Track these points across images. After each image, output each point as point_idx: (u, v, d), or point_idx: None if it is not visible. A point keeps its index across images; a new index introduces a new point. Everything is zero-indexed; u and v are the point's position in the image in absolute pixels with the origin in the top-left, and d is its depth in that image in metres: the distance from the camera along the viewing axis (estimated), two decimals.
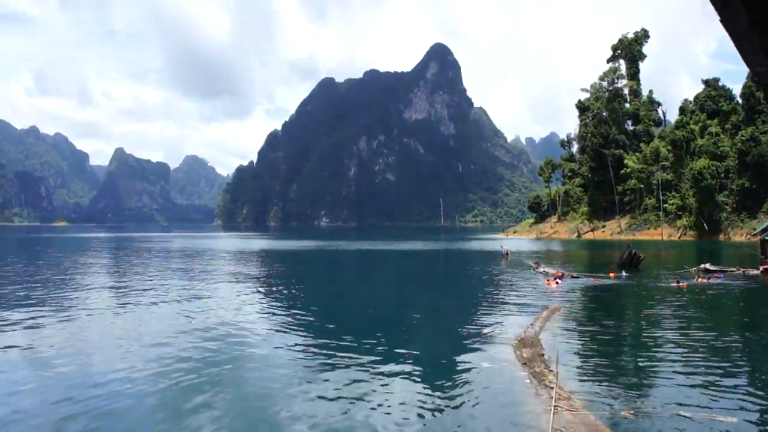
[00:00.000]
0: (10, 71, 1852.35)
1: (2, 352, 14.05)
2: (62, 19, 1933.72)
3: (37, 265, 40.67)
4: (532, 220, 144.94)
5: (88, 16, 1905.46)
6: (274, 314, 19.30)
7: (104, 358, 13.20)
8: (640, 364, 13.47)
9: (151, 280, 30.37)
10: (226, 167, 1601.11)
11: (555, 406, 9.71)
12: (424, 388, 11.02)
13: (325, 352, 13.69)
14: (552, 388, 10.62)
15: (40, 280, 30.49)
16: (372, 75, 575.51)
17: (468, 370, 12.37)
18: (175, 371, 11.97)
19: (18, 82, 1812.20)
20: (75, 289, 26.16)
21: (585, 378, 12.09)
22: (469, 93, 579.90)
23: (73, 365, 12.50)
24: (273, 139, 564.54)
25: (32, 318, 18.61)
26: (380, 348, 14.18)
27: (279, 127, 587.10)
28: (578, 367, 12.98)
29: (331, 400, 10.30)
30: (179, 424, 9.14)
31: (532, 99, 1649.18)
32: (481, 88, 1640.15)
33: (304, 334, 15.87)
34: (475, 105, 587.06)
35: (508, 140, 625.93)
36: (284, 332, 16.06)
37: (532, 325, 16.87)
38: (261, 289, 26.48)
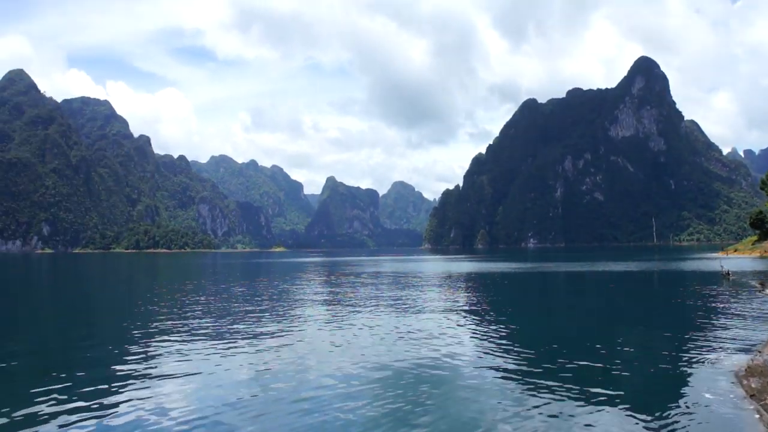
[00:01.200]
0: (231, 111, 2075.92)
1: (227, 361, 15.21)
2: (273, 57, 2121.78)
3: (259, 286, 43.37)
4: (755, 238, 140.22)
5: (297, 54, 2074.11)
6: (483, 336, 18.88)
7: (318, 374, 13.68)
8: None
9: (363, 300, 31.31)
10: (432, 192, 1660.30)
11: None
12: (638, 420, 10.28)
13: (532, 378, 13.20)
14: None
15: (263, 299, 32.74)
16: (575, 93, 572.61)
17: (685, 400, 11.42)
18: (386, 389, 12.29)
19: (237, 121, 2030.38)
20: (293, 308, 27.79)
21: None
22: (678, 106, 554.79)
23: (287, 381, 13.10)
24: (477, 162, 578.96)
25: (254, 330, 20.32)
26: (589, 374, 13.52)
27: (483, 150, 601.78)
28: None
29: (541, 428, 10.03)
30: None
31: (748, 108, 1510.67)
32: (691, 100, 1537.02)
33: (513, 358, 15.52)
34: (685, 118, 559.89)
35: (724, 153, 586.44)
36: (493, 355, 15.83)
37: (760, 352, 15.17)
38: (469, 309, 26.52)
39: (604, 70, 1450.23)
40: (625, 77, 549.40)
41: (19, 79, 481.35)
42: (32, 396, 11.80)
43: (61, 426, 10.09)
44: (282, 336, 18.97)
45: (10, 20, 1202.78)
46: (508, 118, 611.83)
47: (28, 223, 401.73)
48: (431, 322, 21.80)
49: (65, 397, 11.79)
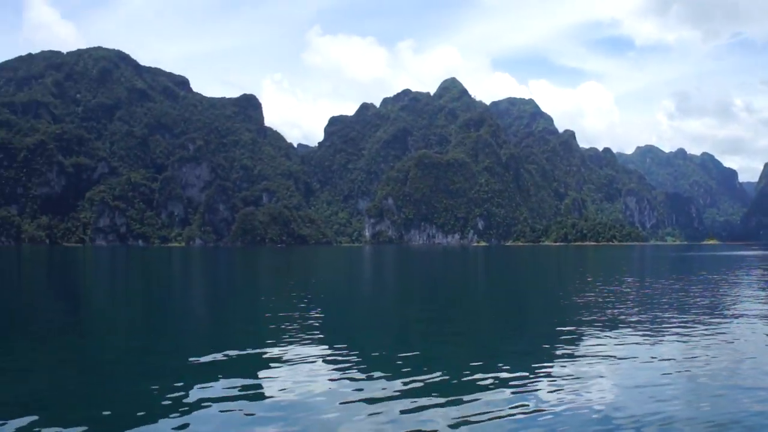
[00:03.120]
0: (654, 99, 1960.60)
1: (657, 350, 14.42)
2: (695, 38, 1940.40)
3: (694, 280, 39.93)
4: None
5: (722, 31, 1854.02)
6: None
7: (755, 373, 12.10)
8: None
9: None
10: None
11: None
12: None
13: None
14: None
15: (701, 293, 29.57)
16: None
17: None
18: None
19: (660, 108, 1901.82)
20: (731, 305, 24.58)
21: None
22: None
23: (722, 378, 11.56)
24: None
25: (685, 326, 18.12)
26: None
27: None
28: None
29: None
30: None
31: None
32: None
33: None
34: None
35: None
36: None
37: None
38: None
39: None
40: None
41: (452, 87, 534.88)
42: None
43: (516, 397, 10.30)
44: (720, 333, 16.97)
45: (442, 34, 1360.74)
46: None
47: (465, 218, 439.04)
48: None
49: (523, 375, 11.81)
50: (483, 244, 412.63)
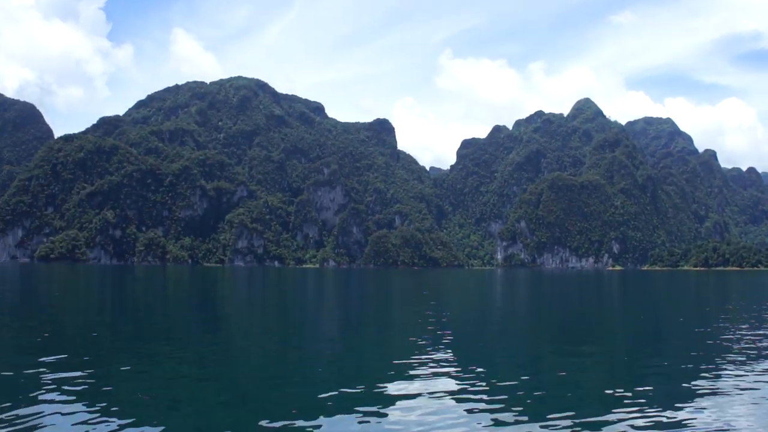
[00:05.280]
0: None
1: None
2: None
3: None
4: None
5: None
6: None
7: None
8: None
9: None
10: None
11: None
12: None
13: None
14: None
15: None
16: None
17: None
18: None
19: None
20: None
21: None
22: None
23: None
24: None
25: None
26: None
27: None
28: None
29: None
30: None
31: None
32: None
33: None
34: None
35: None
36: None
37: None
38: None
39: None
40: None
41: (586, 108, 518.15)
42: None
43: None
44: None
45: (573, 54, 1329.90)
46: None
47: (600, 242, 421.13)
48: None
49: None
50: (618, 268, 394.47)
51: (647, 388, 13.53)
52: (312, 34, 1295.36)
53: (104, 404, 11.58)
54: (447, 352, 18.68)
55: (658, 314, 38.34)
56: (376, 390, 13.23)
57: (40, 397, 12.10)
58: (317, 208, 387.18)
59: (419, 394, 12.80)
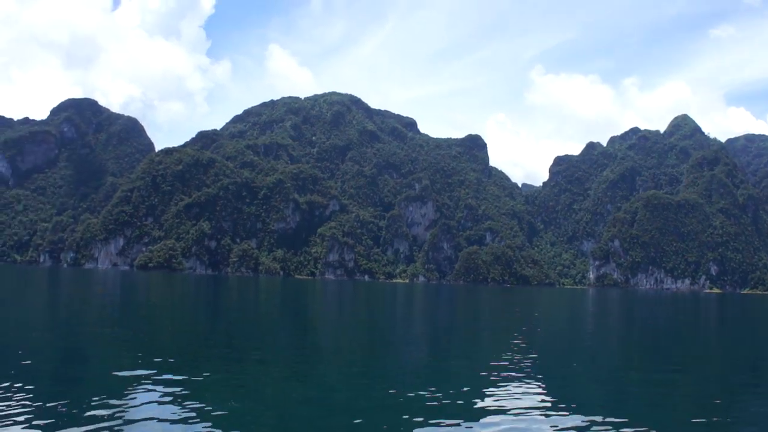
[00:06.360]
0: None
1: None
2: None
3: None
4: None
5: None
6: None
7: None
8: None
9: None
10: None
11: None
12: None
13: None
14: None
15: None
16: None
17: None
18: None
19: None
20: None
21: None
22: None
23: None
24: None
25: None
26: None
27: None
28: None
29: None
30: None
31: None
32: None
33: None
34: None
35: None
36: None
37: None
38: None
39: None
40: None
41: (683, 124, 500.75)
42: None
43: None
44: None
45: (669, 69, 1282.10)
46: None
47: (697, 263, 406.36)
48: None
49: None
50: (716, 291, 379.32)
51: (734, 418, 13.52)
52: (405, 50, 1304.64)
53: (198, 405, 12.70)
54: (537, 370, 19.43)
55: (758, 342, 37.98)
56: (462, 402, 13.81)
57: (140, 397, 13.37)
58: (408, 224, 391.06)
59: (506, 409, 13.30)
